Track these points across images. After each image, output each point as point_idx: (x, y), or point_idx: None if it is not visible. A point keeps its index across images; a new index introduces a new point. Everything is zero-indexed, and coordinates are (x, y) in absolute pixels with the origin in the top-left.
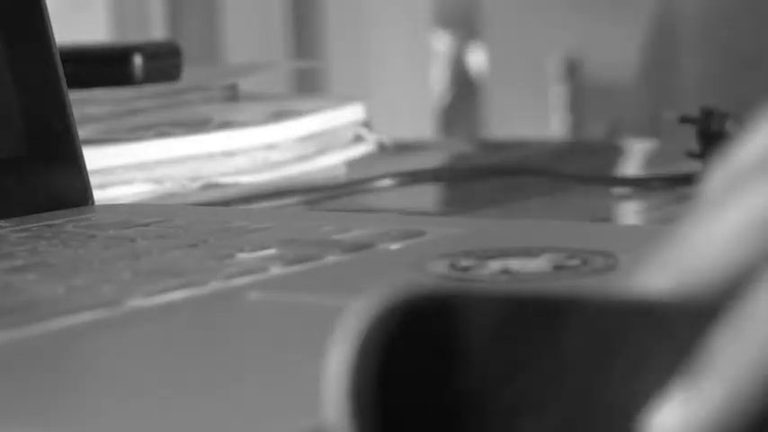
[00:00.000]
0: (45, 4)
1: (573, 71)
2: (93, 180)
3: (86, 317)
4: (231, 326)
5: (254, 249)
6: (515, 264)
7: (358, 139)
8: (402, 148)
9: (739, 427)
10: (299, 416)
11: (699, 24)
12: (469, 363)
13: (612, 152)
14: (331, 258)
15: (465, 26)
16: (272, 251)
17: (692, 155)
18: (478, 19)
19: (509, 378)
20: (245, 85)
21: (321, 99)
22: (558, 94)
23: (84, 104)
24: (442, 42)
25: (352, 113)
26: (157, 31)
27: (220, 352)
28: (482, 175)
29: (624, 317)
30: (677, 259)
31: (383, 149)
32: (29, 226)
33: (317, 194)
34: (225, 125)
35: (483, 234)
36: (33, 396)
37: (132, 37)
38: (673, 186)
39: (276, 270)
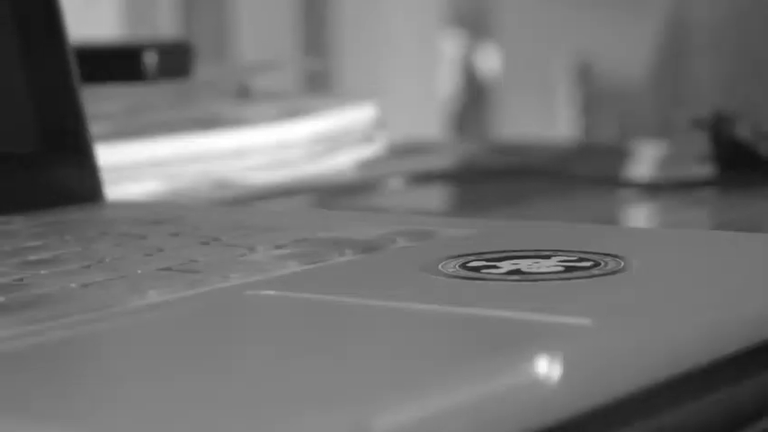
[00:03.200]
0: (58, 1)
1: (584, 73)
2: (105, 177)
3: (98, 313)
4: (243, 324)
5: (266, 248)
6: (526, 265)
7: (369, 138)
8: (413, 148)
9: None
10: (309, 413)
11: (710, 27)
12: None
13: (622, 154)
14: (342, 258)
15: (476, 27)
16: (284, 250)
17: (702, 158)
18: (490, 20)
19: None
20: (257, 83)
21: (332, 98)
22: (569, 96)
23: (96, 101)
24: (453, 43)
25: (363, 113)
26: (169, 29)
27: (232, 350)
28: (493, 176)
29: None
30: None
31: (394, 149)
32: (40, 222)
33: (328, 193)
34: (236, 123)
35: (493, 235)
36: (45, 392)
37: (144, 34)
38: (683, 189)
39: (288, 269)
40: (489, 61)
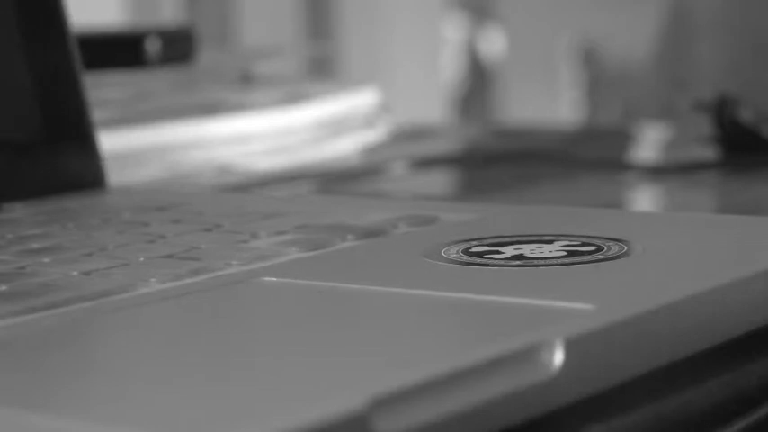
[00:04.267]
0: None
1: (588, 56)
2: (108, 163)
3: (100, 301)
4: (245, 311)
5: (268, 234)
6: (529, 249)
7: (372, 123)
8: (416, 132)
9: None
10: (308, 400)
11: (713, 10)
12: None
13: (626, 137)
14: (345, 243)
15: (479, 10)
16: (286, 236)
17: (705, 140)
18: (493, 2)
19: None
20: (260, 68)
21: (335, 83)
22: (572, 79)
23: (99, 88)
24: (456, 27)
25: (366, 98)
26: (172, 15)
27: (234, 337)
28: (496, 160)
29: None
30: None
31: (397, 134)
32: (43, 209)
33: (331, 179)
34: (239, 109)
35: (497, 220)
36: (46, 381)
37: (147, 20)
38: (686, 172)
39: (290, 255)
40: (493, 44)
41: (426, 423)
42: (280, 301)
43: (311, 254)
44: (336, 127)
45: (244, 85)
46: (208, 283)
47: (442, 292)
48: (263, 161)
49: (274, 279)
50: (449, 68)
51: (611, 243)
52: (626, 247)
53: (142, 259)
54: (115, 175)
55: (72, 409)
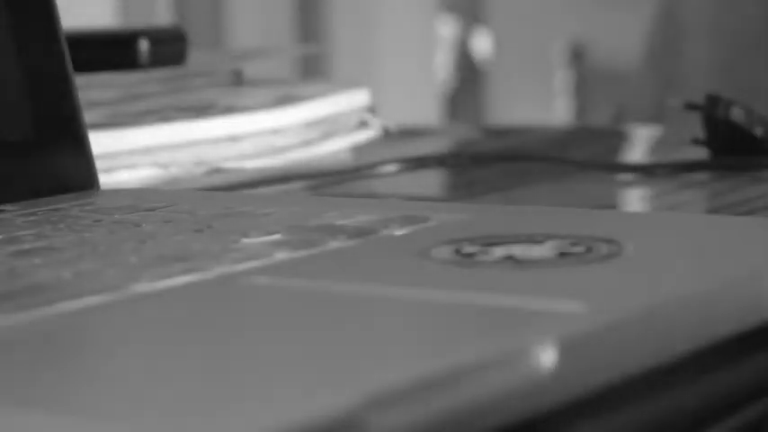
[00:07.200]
0: None
1: (578, 57)
2: (99, 164)
3: (92, 301)
4: (236, 311)
5: (258, 234)
6: (519, 250)
7: (363, 124)
8: (407, 133)
9: None
10: (301, 399)
11: (704, 11)
12: None
13: (617, 138)
14: (335, 244)
15: (470, 11)
16: (276, 236)
17: (697, 142)
18: (484, 4)
19: None
20: (251, 69)
21: (326, 84)
22: (563, 80)
23: (90, 89)
24: (447, 28)
25: (357, 99)
26: (163, 16)
27: (224, 337)
28: (486, 161)
29: None
30: None
31: (388, 135)
32: (34, 210)
33: (322, 180)
34: (230, 110)
35: (487, 220)
36: (37, 380)
37: (138, 21)
38: (677, 173)
39: (281, 255)
40: (484, 46)
41: (419, 422)
42: (271, 300)
43: (302, 254)
44: (327, 128)
45: (235, 87)
46: (198, 283)
47: (433, 293)
48: (255, 162)
49: (265, 279)
50: (441, 70)
51: (602, 243)
52: (617, 248)
53: (133, 260)
54: (106, 176)
55: (64, 408)
